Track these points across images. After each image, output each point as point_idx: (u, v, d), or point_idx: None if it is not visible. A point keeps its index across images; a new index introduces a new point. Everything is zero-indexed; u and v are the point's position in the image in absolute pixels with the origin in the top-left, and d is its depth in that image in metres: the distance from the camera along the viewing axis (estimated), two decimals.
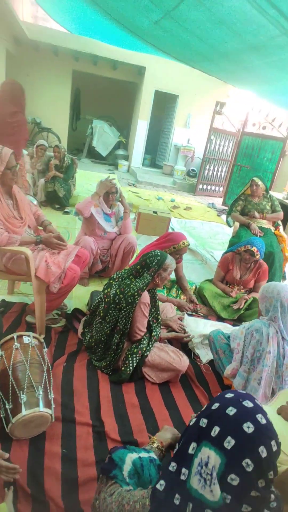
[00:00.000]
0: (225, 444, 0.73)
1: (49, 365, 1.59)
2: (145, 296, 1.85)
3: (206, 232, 5.29)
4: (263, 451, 0.71)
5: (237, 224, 3.63)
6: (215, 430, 0.76)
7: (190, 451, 0.79)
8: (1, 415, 1.36)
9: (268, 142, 6.04)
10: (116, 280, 1.95)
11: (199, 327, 2.34)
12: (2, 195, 1.91)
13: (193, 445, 0.79)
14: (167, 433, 1.21)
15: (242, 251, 2.71)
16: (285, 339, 1.72)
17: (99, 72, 9.11)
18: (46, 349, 1.67)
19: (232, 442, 0.73)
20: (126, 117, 10.55)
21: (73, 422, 1.57)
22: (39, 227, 2.25)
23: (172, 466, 0.82)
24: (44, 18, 8.27)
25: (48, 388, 1.48)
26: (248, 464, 0.71)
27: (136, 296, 1.81)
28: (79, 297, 2.63)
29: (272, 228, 3.46)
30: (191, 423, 0.85)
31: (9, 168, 1.84)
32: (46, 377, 1.49)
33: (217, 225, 5.82)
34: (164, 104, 9.79)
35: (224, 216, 6.48)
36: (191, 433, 0.82)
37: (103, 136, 9.40)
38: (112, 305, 1.87)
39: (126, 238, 2.85)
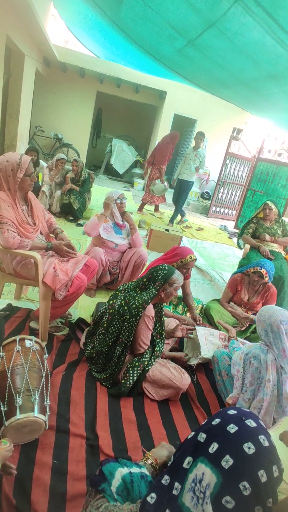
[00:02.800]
0: (223, 463, 0.69)
1: (48, 371, 1.58)
2: (150, 309, 1.84)
3: (216, 253, 5.27)
4: (263, 475, 0.67)
5: (247, 246, 3.61)
6: (213, 447, 0.72)
7: (185, 465, 0.76)
8: None
9: (282, 168, 6.09)
10: (122, 292, 1.95)
11: (207, 345, 2.22)
12: (18, 200, 1.96)
13: (188, 459, 0.76)
14: (163, 450, 1.17)
15: (251, 272, 2.68)
16: (283, 367, 1.63)
17: (122, 94, 9.48)
18: (47, 355, 1.66)
19: (231, 461, 0.69)
20: (145, 138, 10.84)
21: (67, 433, 1.53)
22: (51, 235, 2.29)
23: (165, 479, 0.79)
24: (73, 43, 8.74)
25: (45, 394, 1.46)
26: (245, 487, 0.66)
27: (141, 309, 1.79)
28: (84, 308, 2.63)
29: (283, 253, 3.42)
30: (189, 437, 0.82)
31: (28, 175, 1.90)
32: (44, 383, 1.48)
33: (228, 247, 5.80)
34: (183, 127, 10.05)
35: (235, 239, 6.46)
36: (187, 447, 0.79)
37: (121, 154, 9.65)
38: (116, 317, 1.86)
39: (137, 251, 2.87)
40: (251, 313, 2.80)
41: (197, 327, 2.23)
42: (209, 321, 2.83)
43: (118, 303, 1.89)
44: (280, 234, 3.50)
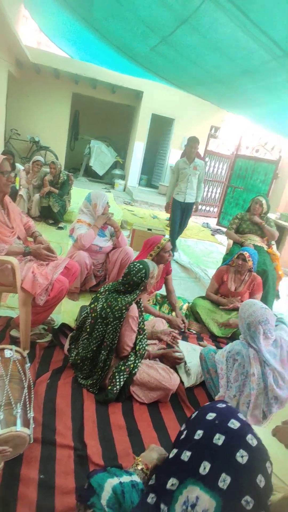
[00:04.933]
0: (220, 484, 0.64)
1: (31, 381, 1.50)
2: (134, 310, 1.79)
3: (200, 250, 5.28)
4: (261, 481, 0.63)
5: (230, 241, 3.62)
6: (205, 467, 0.66)
7: (169, 486, 0.70)
8: None
9: (261, 164, 6.18)
10: (103, 294, 1.89)
11: (189, 352, 2.21)
12: None
13: (172, 481, 0.70)
14: (153, 453, 1.12)
15: (235, 258, 2.76)
16: (265, 361, 1.63)
17: (98, 95, 9.39)
18: (29, 365, 1.58)
19: (228, 479, 0.64)
20: (124, 138, 10.79)
21: (54, 444, 1.46)
22: (29, 239, 2.20)
23: (151, 498, 0.73)
24: (47, 44, 8.60)
25: (28, 406, 1.38)
26: (247, 501, 0.62)
27: (124, 310, 1.75)
28: (68, 312, 2.55)
29: (265, 247, 3.45)
30: (170, 456, 0.77)
31: (1, 171, 1.81)
32: (27, 394, 1.40)
33: (211, 244, 5.83)
34: (161, 126, 10.06)
35: (218, 236, 6.51)
36: (170, 468, 0.73)
37: (100, 156, 9.57)
38: (99, 320, 1.80)
39: (123, 249, 2.84)
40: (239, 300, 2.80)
41: (180, 341, 2.21)
42: (196, 319, 2.82)
43: (100, 306, 1.83)
44: (262, 232, 3.52)
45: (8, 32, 5.62)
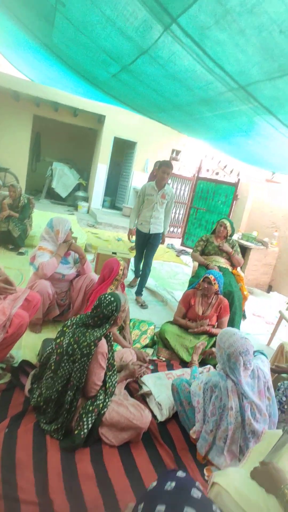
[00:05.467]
0: None
1: None
2: (103, 345, 1.68)
3: (166, 272, 5.29)
4: None
5: (196, 263, 3.65)
6: None
7: None
8: None
9: (221, 186, 6.45)
10: (70, 328, 1.77)
11: (156, 385, 2.11)
12: None
13: None
14: None
15: (201, 281, 2.76)
16: (243, 393, 1.59)
17: (60, 118, 9.39)
18: None
19: None
20: (86, 161, 10.80)
21: (17, 501, 1.29)
22: None
23: None
24: (6, 66, 8.50)
25: None
26: None
27: (93, 347, 1.63)
28: (29, 346, 2.36)
29: (230, 268, 3.52)
30: None
31: None
32: None
33: (177, 265, 5.87)
34: (123, 149, 10.23)
35: (183, 257, 6.59)
36: None
37: (63, 178, 9.46)
38: (65, 357, 1.67)
39: (87, 276, 2.72)
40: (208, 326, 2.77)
41: (143, 378, 2.11)
42: (165, 345, 2.74)
43: (67, 341, 1.70)
44: (226, 253, 3.59)
45: None
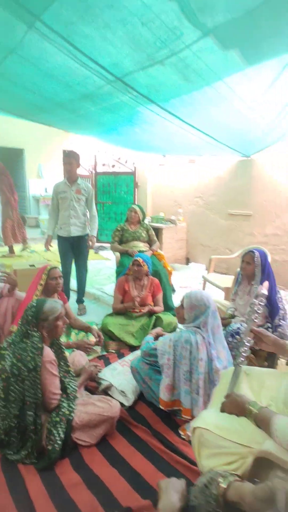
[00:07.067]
0: None
1: None
2: (48, 354, 1.63)
3: (89, 271, 5.21)
4: None
5: (118, 254, 3.74)
6: None
7: None
8: None
9: (120, 177, 6.65)
10: (9, 348, 1.66)
11: (114, 376, 2.15)
12: None
13: None
14: (171, 496, 0.94)
15: (130, 266, 2.89)
16: (211, 343, 1.78)
17: None
18: None
19: None
20: None
21: None
22: None
23: None
24: None
25: None
26: None
27: (37, 359, 1.57)
28: None
29: (150, 251, 3.71)
30: None
31: None
32: None
33: (98, 262, 5.90)
34: (10, 158, 9.58)
35: (101, 252, 6.64)
36: None
37: None
38: (12, 379, 1.57)
39: (11, 298, 2.53)
40: (144, 308, 2.90)
41: (100, 374, 2.13)
42: (111, 337, 2.78)
43: (9, 363, 1.60)
44: (145, 237, 3.78)
45: None
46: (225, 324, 2.37)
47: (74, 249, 3.50)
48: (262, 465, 0.97)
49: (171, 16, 1.76)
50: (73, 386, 1.77)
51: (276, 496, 0.81)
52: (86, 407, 1.68)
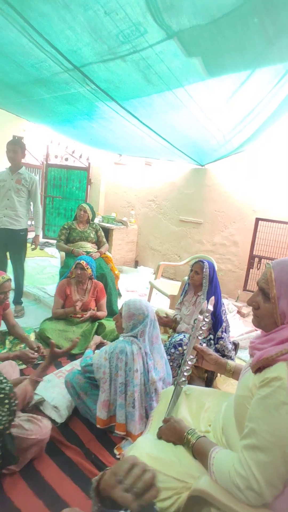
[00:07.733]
0: None
1: None
2: None
3: (32, 268, 4.93)
4: None
5: (63, 254, 3.53)
6: None
7: None
8: None
9: (73, 172, 6.36)
10: None
11: (47, 389, 1.99)
12: None
13: None
14: None
15: (73, 269, 2.73)
16: (147, 353, 1.71)
17: None
18: None
19: None
20: None
21: None
22: None
23: None
24: None
25: None
26: None
27: None
28: None
29: (98, 253, 3.56)
30: None
31: None
32: None
33: (42, 259, 5.56)
34: None
35: (47, 249, 6.29)
36: None
37: None
38: None
39: None
40: (84, 313, 2.75)
41: (36, 391, 1.94)
42: (48, 344, 2.58)
43: None
44: (93, 238, 3.61)
45: None
46: (166, 324, 2.42)
47: (9, 244, 3.22)
48: (199, 502, 0.91)
49: (136, 10, 1.66)
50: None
51: None
52: (12, 430, 1.49)
